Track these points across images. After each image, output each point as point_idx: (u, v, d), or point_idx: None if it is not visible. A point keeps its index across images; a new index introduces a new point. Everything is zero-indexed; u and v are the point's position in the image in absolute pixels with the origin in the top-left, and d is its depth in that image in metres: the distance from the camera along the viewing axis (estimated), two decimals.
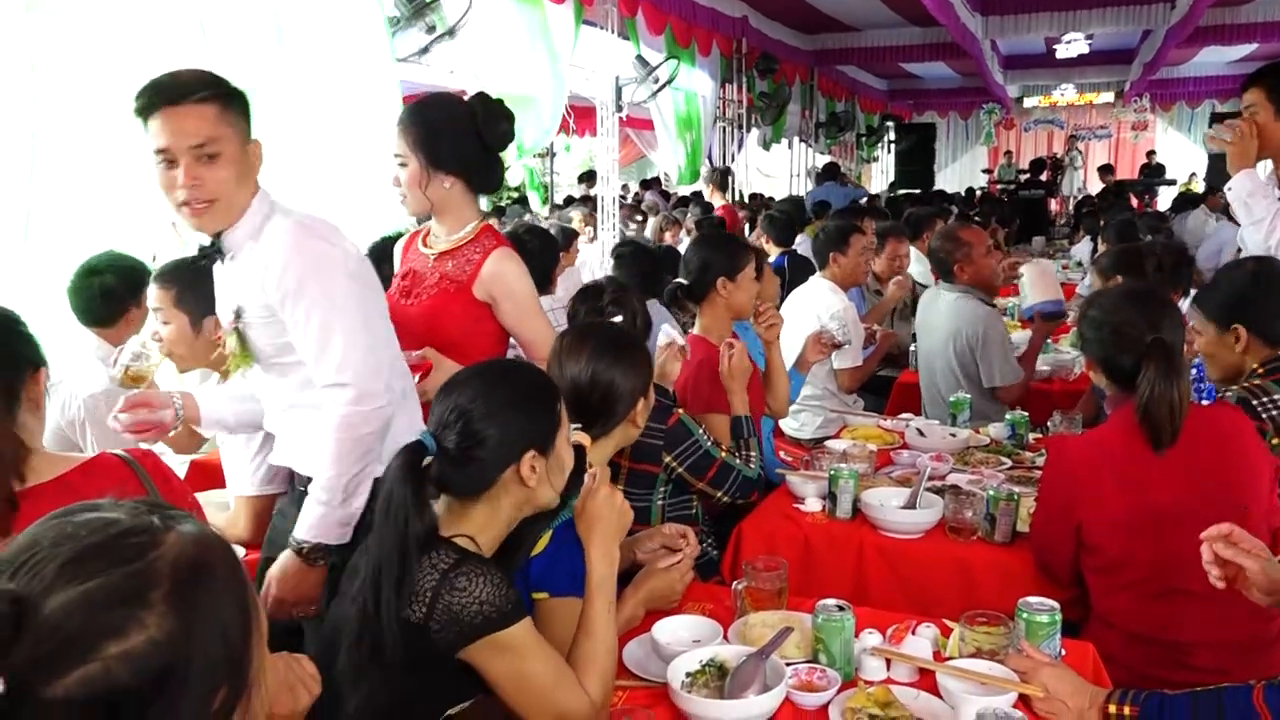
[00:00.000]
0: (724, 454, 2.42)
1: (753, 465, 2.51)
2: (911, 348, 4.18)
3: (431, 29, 5.18)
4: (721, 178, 9.17)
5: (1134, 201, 13.15)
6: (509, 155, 6.68)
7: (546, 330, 2.40)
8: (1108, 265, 3.77)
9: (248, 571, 0.89)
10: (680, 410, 2.41)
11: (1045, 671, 1.63)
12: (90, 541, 0.79)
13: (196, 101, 1.80)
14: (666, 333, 2.59)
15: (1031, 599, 1.77)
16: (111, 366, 2.46)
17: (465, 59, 5.28)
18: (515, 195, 11.25)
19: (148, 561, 0.78)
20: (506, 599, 1.48)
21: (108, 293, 2.81)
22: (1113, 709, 1.57)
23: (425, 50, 5.31)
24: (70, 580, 0.76)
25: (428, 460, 1.55)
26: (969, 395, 3.41)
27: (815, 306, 3.99)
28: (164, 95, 1.80)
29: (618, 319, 2.42)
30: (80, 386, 2.69)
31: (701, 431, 2.41)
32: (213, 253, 1.98)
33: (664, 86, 7.81)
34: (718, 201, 8.86)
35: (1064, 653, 1.74)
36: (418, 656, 1.46)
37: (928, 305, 3.95)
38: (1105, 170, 16.15)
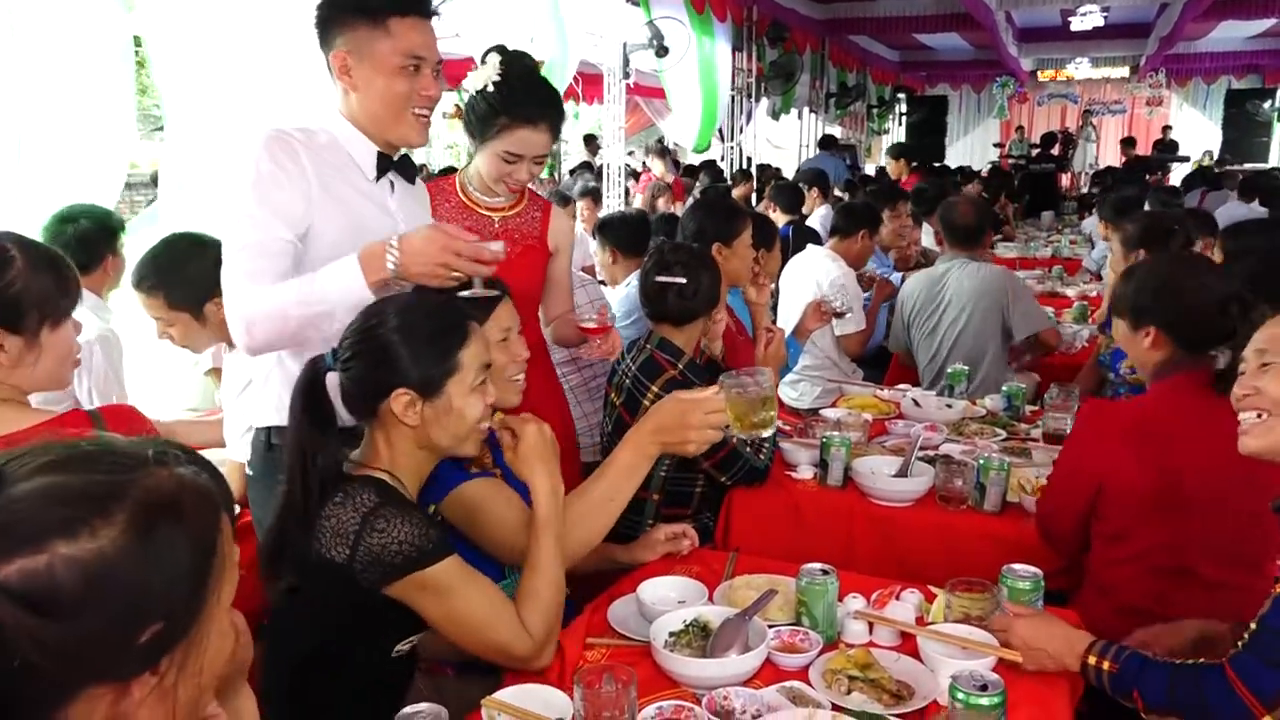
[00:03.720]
0: (736, 440, 2.42)
1: (763, 457, 2.47)
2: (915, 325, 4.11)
3: None
4: (661, 148, 9.35)
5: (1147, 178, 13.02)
6: None
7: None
8: (1134, 237, 3.71)
9: (228, 531, 0.89)
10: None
11: (1022, 623, 1.63)
12: (85, 450, 0.82)
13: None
14: None
15: (1016, 565, 1.78)
16: (104, 318, 2.50)
17: (471, 23, 5.25)
18: None
19: (123, 479, 0.80)
20: (426, 538, 1.50)
21: (84, 238, 2.87)
22: (1091, 659, 1.58)
23: (434, 13, 5.28)
24: (47, 472, 0.78)
25: None
26: (966, 367, 3.41)
27: (814, 273, 3.99)
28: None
29: (681, 280, 2.46)
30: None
31: None
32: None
33: (665, 54, 7.73)
34: (657, 170, 8.95)
35: None
36: (348, 596, 1.49)
37: (936, 281, 3.88)
38: (1128, 144, 15.83)
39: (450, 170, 11.49)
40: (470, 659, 1.73)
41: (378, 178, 1.94)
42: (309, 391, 1.55)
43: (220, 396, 2.70)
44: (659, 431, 1.73)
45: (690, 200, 7.40)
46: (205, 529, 0.85)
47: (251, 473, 2.10)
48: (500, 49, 2.31)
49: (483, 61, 2.29)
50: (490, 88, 2.25)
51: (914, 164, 8.29)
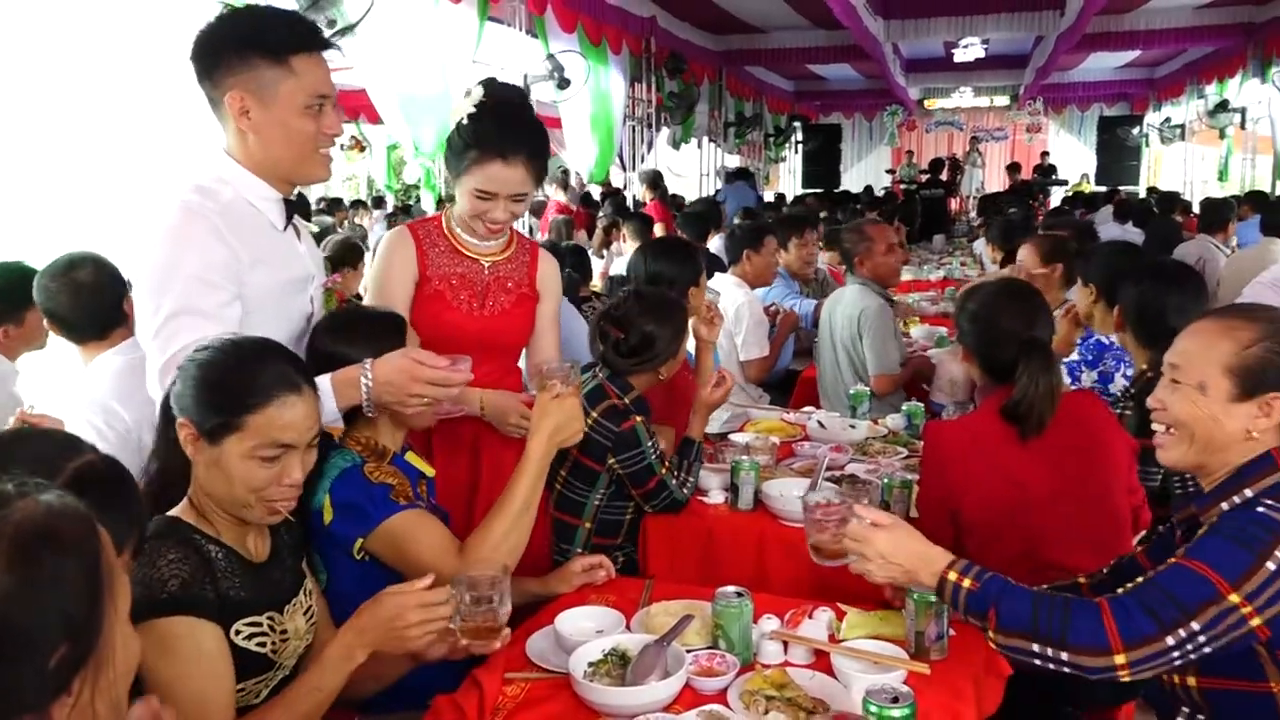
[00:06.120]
0: (664, 470, 2.45)
1: (685, 490, 2.51)
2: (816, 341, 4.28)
3: (332, 23, 5.08)
4: (564, 177, 9.50)
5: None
6: (406, 153, 6.61)
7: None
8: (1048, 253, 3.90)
9: (108, 542, 0.89)
10: (638, 419, 2.43)
11: (881, 535, 1.68)
12: None
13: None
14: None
15: None
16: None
17: (363, 57, 5.20)
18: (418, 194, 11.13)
19: None
20: (162, 587, 1.38)
21: None
22: (952, 575, 1.62)
23: (331, 45, 5.21)
24: None
25: None
26: (868, 388, 3.51)
27: (722, 300, 4.07)
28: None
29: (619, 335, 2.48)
30: None
31: (650, 444, 2.43)
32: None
33: (565, 86, 7.79)
34: (561, 199, 9.10)
35: (953, 633, 1.79)
36: None
37: (834, 300, 4.06)
38: (1013, 169, 16.69)
39: (336, 202, 11.30)
40: (377, 697, 1.70)
41: (285, 227, 1.88)
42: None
43: None
44: (557, 432, 1.85)
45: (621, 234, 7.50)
46: (86, 546, 0.86)
47: None
48: (488, 81, 2.23)
49: (467, 94, 2.20)
50: (465, 120, 2.16)
51: (656, 190, 8.89)
